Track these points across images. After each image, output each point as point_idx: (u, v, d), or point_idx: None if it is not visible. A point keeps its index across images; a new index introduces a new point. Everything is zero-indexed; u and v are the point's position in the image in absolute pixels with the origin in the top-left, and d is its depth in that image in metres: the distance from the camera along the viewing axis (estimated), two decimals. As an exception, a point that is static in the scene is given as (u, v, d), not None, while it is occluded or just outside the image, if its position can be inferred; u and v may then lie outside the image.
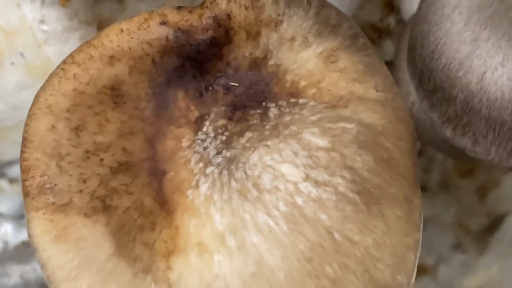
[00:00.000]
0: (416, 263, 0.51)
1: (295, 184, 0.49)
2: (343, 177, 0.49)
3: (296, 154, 0.50)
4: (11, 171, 0.63)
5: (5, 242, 0.66)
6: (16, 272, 0.67)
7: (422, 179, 0.78)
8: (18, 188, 0.64)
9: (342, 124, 0.51)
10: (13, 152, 0.62)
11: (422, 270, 0.80)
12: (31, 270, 0.68)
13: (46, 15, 0.58)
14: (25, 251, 0.67)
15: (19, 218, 0.66)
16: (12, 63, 0.59)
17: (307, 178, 0.49)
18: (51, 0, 0.57)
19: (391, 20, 0.69)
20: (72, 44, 0.59)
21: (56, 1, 0.57)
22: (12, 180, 0.63)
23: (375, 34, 0.70)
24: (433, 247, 0.81)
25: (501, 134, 0.52)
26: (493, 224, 0.84)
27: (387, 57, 0.71)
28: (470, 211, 0.83)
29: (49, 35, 0.58)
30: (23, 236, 0.66)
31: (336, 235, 0.48)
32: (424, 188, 0.78)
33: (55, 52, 0.59)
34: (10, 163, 0.62)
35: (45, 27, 0.58)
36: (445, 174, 0.82)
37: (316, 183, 0.49)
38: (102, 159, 0.50)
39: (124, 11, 0.63)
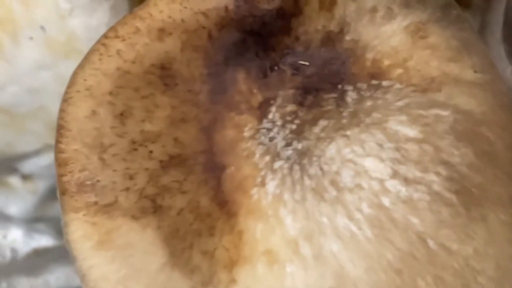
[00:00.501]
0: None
1: (381, 181, 0.49)
2: (438, 173, 0.49)
3: (381, 146, 0.50)
4: (25, 166, 0.63)
5: (14, 251, 0.66)
6: (24, 286, 0.67)
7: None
8: (31, 186, 0.64)
9: (435, 111, 0.51)
10: (28, 144, 0.62)
11: None
12: (42, 284, 0.68)
13: None
14: (36, 262, 0.67)
15: (32, 222, 0.66)
16: (31, 38, 0.59)
17: (395, 174, 0.49)
18: None
19: None
20: (100, 15, 0.60)
21: None
22: (25, 177, 0.63)
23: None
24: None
25: None
26: None
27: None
28: None
29: (74, 5, 0.58)
30: (35, 243, 0.66)
31: (430, 243, 0.49)
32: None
33: (81, 25, 0.59)
34: (24, 156, 0.63)
35: None
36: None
37: (406, 181, 0.49)
38: (151, 151, 0.50)
39: None
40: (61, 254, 0.67)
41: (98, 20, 0.60)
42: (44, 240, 0.66)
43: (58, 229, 0.61)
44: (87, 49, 0.59)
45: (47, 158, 0.61)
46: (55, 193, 0.51)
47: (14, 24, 0.59)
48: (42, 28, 0.59)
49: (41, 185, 0.63)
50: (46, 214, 0.64)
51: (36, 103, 0.60)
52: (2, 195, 0.63)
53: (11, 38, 0.59)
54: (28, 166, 0.62)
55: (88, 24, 0.60)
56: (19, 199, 0.63)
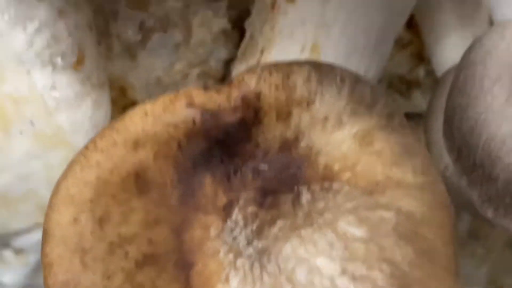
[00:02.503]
0: None
1: (332, 279, 0.50)
2: (382, 270, 0.50)
3: (331, 245, 0.51)
4: (16, 242, 0.63)
5: None
6: None
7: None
8: (23, 259, 0.64)
9: (379, 213, 0.52)
10: (20, 222, 0.62)
11: None
12: None
13: (57, 81, 0.58)
14: None
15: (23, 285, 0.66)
16: (21, 132, 0.59)
17: (344, 272, 0.51)
18: (63, 65, 0.58)
19: (421, 71, 0.71)
20: (84, 110, 0.60)
21: (68, 65, 0.58)
22: (17, 251, 0.64)
23: (404, 86, 0.71)
24: None
25: None
26: None
27: (417, 109, 0.72)
28: (503, 266, 0.84)
29: (60, 102, 0.59)
30: None
31: None
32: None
33: (67, 120, 0.60)
34: (16, 233, 0.63)
35: (56, 94, 0.58)
36: (475, 223, 0.84)
37: (354, 278, 0.50)
38: (127, 252, 0.51)
39: (136, 67, 0.65)
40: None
41: (82, 114, 0.60)
42: None
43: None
44: (73, 140, 0.61)
45: (37, 235, 0.61)
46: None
47: (5, 120, 0.59)
48: (32, 123, 0.60)
49: (31, 258, 0.63)
50: (35, 283, 0.64)
51: (26, 187, 0.60)
52: None
53: (3, 132, 0.59)
54: (20, 241, 0.62)
55: (74, 118, 0.61)
56: (12, 270, 0.63)
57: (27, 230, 0.63)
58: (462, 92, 0.57)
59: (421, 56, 0.70)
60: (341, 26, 0.59)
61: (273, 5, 0.60)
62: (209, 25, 0.66)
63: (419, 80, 0.72)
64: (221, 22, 0.66)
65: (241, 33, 0.65)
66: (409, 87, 0.72)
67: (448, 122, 0.57)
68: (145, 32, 0.65)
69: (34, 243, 0.63)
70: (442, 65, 0.67)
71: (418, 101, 0.72)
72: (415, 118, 0.73)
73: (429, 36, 0.68)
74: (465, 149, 0.55)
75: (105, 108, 0.62)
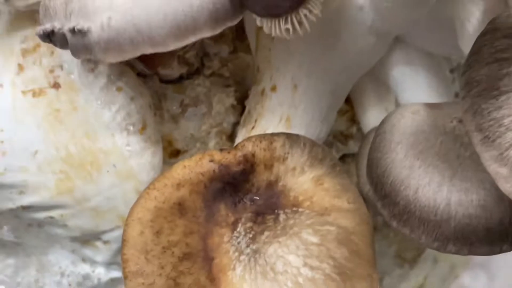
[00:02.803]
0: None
1: (298, 268, 0.49)
2: (328, 263, 0.50)
3: (298, 247, 0.50)
4: (104, 236, 0.62)
5: (99, 279, 0.65)
6: None
7: (374, 221, 0.77)
8: (108, 246, 0.63)
9: (327, 227, 0.51)
10: (106, 225, 0.61)
11: None
12: None
13: (130, 140, 0.58)
14: (112, 285, 0.67)
15: (109, 264, 0.65)
16: (108, 171, 0.58)
17: (305, 264, 0.50)
18: (133, 130, 0.57)
19: (354, 129, 0.69)
20: (146, 157, 0.59)
21: (137, 130, 0.58)
22: (105, 242, 0.63)
23: (343, 138, 0.70)
24: (380, 267, 0.80)
25: (428, 227, 0.51)
26: (420, 251, 0.84)
27: (351, 152, 0.71)
28: (405, 246, 0.83)
29: (132, 153, 0.58)
30: (111, 275, 0.66)
31: None
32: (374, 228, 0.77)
33: (136, 164, 0.59)
34: (104, 232, 0.62)
35: (129, 148, 0.58)
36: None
37: (311, 268, 0.49)
38: (173, 252, 0.50)
39: (178, 128, 0.64)
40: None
41: (145, 160, 0.60)
42: (116, 273, 0.64)
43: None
44: (139, 176, 0.60)
45: (117, 232, 0.60)
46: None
47: (98, 164, 0.59)
48: (114, 166, 0.59)
49: (114, 246, 0.62)
50: (116, 261, 0.63)
51: (111, 204, 0.60)
52: (93, 251, 0.63)
53: (97, 171, 0.59)
54: (106, 236, 0.61)
55: (140, 163, 0.60)
56: (102, 253, 0.62)
57: (111, 230, 0.62)
58: (377, 149, 0.55)
59: (354, 120, 0.69)
60: (304, 106, 0.58)
61: (262, 92, 0.59)
62: (223, 102, 0.64)
63: (353, 134, 0.70)
64: (231, 100, 0.65)
65: (243, 107, 0.64)
66: (347, 138, 0.70)
67: (369, 167, 0.56)
68: (183, 107, 0.64)
69: (115, 237, 0.62)
70: (366, 126, 0.65)
71: (352, 147, 0.70)
72: (350, 157, 0.72)
73: (358, 108, 0.66)
74: (379, 185, 0.54)
75: (159, 155, 0.60)
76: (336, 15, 0.56)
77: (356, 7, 0.55)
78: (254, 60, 0.60)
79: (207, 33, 0.46)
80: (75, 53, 0.48)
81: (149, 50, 0.46)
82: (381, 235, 0.78)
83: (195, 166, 0.52)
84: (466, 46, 0.48)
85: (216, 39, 0.64)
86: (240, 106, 0.65)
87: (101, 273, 0.66)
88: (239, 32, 0.63)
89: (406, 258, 0.81)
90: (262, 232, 0.51)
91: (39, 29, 0.49)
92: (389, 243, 0.78)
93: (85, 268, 0.66)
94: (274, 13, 0.45)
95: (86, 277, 0.66)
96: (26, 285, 0.67)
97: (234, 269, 0.50)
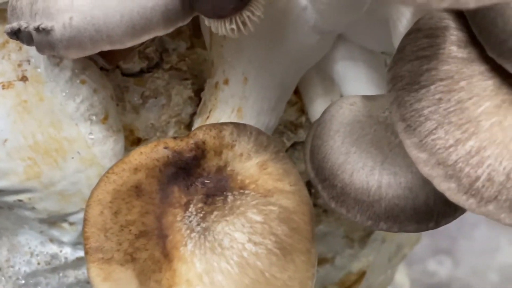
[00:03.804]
0: (313, 286, 0.53)
1: (243, 244, 0.51)
2: (270, 239, 0.52)
3: (243, 225, 0.52)
4: (70, 218, 0.63)
5: (66, 258, 0.66)
6: (72, 275, 0.68)
7: (325, 204, 0.78)
8: (74, 228, 0.64)
9: (270, 207, 0.53)
10: (72, 208, 0.62)
11: (324, 261, 0.81)
12: (81, 274, 0.68)
13: (93, 129, 0.59)
14: (78, 263, 0.68)
15: (75, 244, 0.66)
16: (72, 158, 0.59)
17: (249, 240, 0.51)
18: (96, 120, 0.58)
19: (303, 119, 0.70)
20: (108, 145, 0.60)
21: (99, 120, 0.59)
22: (71, 223, 0.63)
23: (293, 127, 0.71)
24: (331, 247, 0.81)
25: (362, 208, 0.53)
26: (368, 232, 0.87)
27: (301, 139, 0.72)
28: (352, 227, 0.86)
29: (95, 141, 0.59)
30: (77, 254, 0.66)
31: (266, 274, 0.51)
32: (326, 211, 0.78)
33: (99, 151, 0.60)
34: (70, 214, 0.63)
35: (92, 136, 0.59)
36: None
37: (255, 243, 0.51)
38: (130, 230, 0.51)
39: (139, 118, 0.65)
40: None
41: (107, 148, 0.61)
42: (82, 253, 0.62)
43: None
44: (102, 163, 0.61)
45: (82, 215, 0.59)
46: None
47: (63, 151, 0.60)
48: (78, 153, 0.60)
49: (79, 227, 0.63)
50: (82, 241, 0.60)
51: (76, 188, 0.61)
52: (60, 232, 0.64)
53: (62, 158, 0.60)
54: (72, 218, 0.62)
55: (102, 150, 0.61)
56: (68, 234, 0.63)
57: (76, 212, 0.63)
58: (318, 137, 0.57)
59: (303, 110, 0.70)
60: (254, 97, 0.60)
61: (216, 85, 0.61)
62: (181, 94, 0.66)
63: (302, 124, 0.71)
64: (188, 93, 0.66)
65: (199, 99, 0.64)
66: (296, 127, 0.71)
67: (311, 153, 0.58)
68: (144, 98, 0.65)
69: (80, 219, 0.62)
70: (313, 117, 0.66)
71: (302, 135, 0.71)
72: (300, 145, 0.74)
73: (306, 99, 0.67)
74: (320, 169, 0.56)
75: (121, 143, 0.61)
76: (282, 14, 0.58)
77: (299, 8, 0.58)
78: (209, 56, 0.62)
79: (160, 32, 0.49)
80: (40, 50, 0.50)
81: (107, 47, 0.49)
82: (333, 217, 0.80)
83: (150, 152, 0.53)
84: (397, 44, 0.51)
85: (174, 35, 0.65)
86: (197, 98, 0.66)
87: (68, 253, 0.67)
88: (196, 29, 0.64)
89: (354, 239, 0.83)
90: (211, 212, 0.52)
91: (7, 27, 0.51)
92: (339, 224, 0.80)
93: (53, 248, 0.67)
94: (219, 15, 0.49)
95: (54, 256, 0.67)
96: None
97: (186, 245, 0.51)
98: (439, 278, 1.90)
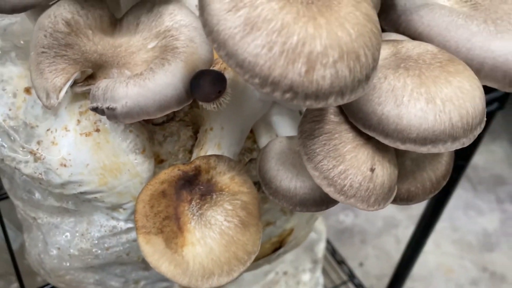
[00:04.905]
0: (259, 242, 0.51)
1: (221, 222, 0.53)
2: (236, 219, 0.53)
3: (221, 211, 0.53)
4: (124, 206, 0.62)
5: (121, 228, 0.65)
6: (124, 237, 0.66)
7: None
8: (126, 211, 0.62)
9: (236, 201, 0.54)
10: (125, 200, 0.61)
11: (269, 223, 0.78)
12: (129, 236, 0.66)
13: (137, 157, 0.59)
14: (127, 231, 0.67)
15: (126, 220, 0.64)
16: (125, 173, 0.58)
17: (225, 220, 0.53)
18: (138, 152, 0.58)
19: (255, 145, 0.67)
20: (146, 165, 0.60)
21: (140, 152, 0.58)
22: (124, 209, 0.63)
23: (250, 150, 0.68)
24: (273, 216, 0.78)
25: (286, 199, 0.54)
26: None
27: (254, 157, 0.68)
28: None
29: (138, 163, 0.59)
30: (127, 226, 0.65)
31: (234, 238, 0.52)
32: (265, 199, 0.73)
33: (140, 169, 0.59)
34: (123, 204, 0.62)
35: (136, 161, 0.59)
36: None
37: (228, 221, 0.53)
38: (160, 215, 0.52)
39: (162, 148, 0.64)
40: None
41: (145, 168, 0.60)
42: (129, 225, 0.64)
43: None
44: (143, 175, 0.64)
45: (131, 204, 0.62)
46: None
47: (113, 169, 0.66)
48: (129, 171, 0.64)
49: (128, 211, 0.63)
50: (130, 218, 0.63)
51: (127, 190, 0.60)
52: (118, 214, 0.63)
53: (111, 175, 0.63)
54: (125, 206, 0.62)
55: (142, 168, 0.61)
56: (122, 215, 0.63)
57: (127, 203, 0.62)
58: (262, 160, 0.57)
59: (255, 141, 0.67)
60: (227, 138, 0.60)
61: (205, 131, 0.60)
62: (186, 134, 0.65)
63: (255, 148, 0.68)
64: (190, 133, 0.64)
65: (196, 137, 0.64)
66: (251, 150, 0.68)
67: (259, 167, 0.55)
68: (164, 137, 0.65)
69: (129, 207, 0.62)
70: (261, 145, 0.63)
71: (255, 155, 0.68)
72: (254, 161, 0.71)
73: (256, 135, 0.66)
74: (263, 177, 0.55)
75: (152, 164, 0.61)
76: (241, 93, 0.61)
77: (250, 89, 0.60)
78: (201, 114, 0.64)
79: (175, 109, 0.53)
80: (108, 118, 0.53)
81: (146, 118, 0.53)
82: (271, 202, 0.80)
83: (170, 172, 0.53)
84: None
85: None
86: (195, 137, 0.66)
87: (122, 225, 0.68)
88: (194, 100, 0.70)
89: (286, 211, 0.84)
90: (204, 205, 0.52)
91: (90, 106, 0.55)
92: (276, 204, 0.79)
93: (113, 223, 0.68)
94: (207, 100, 0.55)
95: (114, 227, 0.68)
96: (80, 232, 0.69)
97: (190, 223, 0.51)
98: (345, 225, 1.97)
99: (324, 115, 0.54)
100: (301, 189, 0.54)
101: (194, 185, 0.53)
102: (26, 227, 0.77)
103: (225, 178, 0.54)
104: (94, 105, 0.55)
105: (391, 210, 1.82)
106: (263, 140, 0.68)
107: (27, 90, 0.62)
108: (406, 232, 1.78)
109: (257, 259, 0.70)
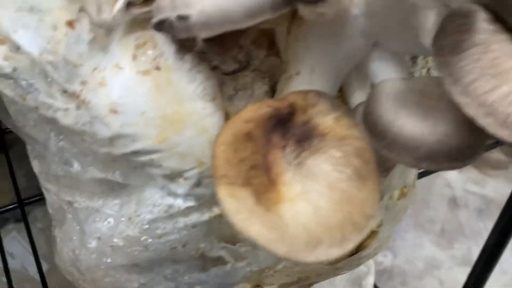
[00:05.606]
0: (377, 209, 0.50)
1: (329, 172, 0.47)
2: (350, 169, 0.47)
3: (327, 159, 0.48)
4: (185, 174, 0.58)
5: (178, 207, 0.62)
6: (182, 221, 0.63)
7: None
8: (187, 182, 0.59)
9: (346, 147, 0.48)
10: (187, 166, 0.57)
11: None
12: (188, 220, 0.64)
13: (206, 105, 0.56)
14: (187, 212, 0.63)
15: (186, 196, 0.61)
16: (190, 127, 0.56)
17: (334, 169, 0.47)
18: (208, 99, 0.55)
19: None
20: (216, 118, 0.57)
21: (210, 100, 0.55)
22: (185, 178, 0.58)
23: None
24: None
25: (409, 151, 0.50)
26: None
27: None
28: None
29: (207, 115, 0.56)
30: (186, 205, 0.61)
31: (348, 193, 0.47)
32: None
33: (209, 122, 0.57)
34: (185, 171, 0.58)
35: (205, 111, 0.56)
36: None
37: (338, 171, 0.47)
38: (246, 163, 0.47)
39: (231, 104, 0.61)
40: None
41: (217, 119, 0.56)
42: (190, 203, 0.62)
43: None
44: (212, 131, 0.58)
45: (194, 171, 0.58)
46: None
47: (183, 122, 0.55)
48: (196, 124, 0.55)
49: (191, 181, 0.59)
50: (192, 193, 0.59)
51: (193, 152, 0.56)
52: (176, 185, 0.59)
53: (181, 127, 0.55)
54: (186, 174, 0.58)
55: (213, 121, 0.57)
56: (182, 187, 0.59)
57: (190, 169, 0.58)
58: (370, 105, 0.53)
59: (344, 102, 0.63)
60: (317, 84, 0.55)
61: (288, 78, 0.57)
62: (261, 88, 0.63)
63: None
64: (266, 87, 0.62)
65: (273, 92, 0.61)
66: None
67: (365, 117, 0.53)
68: (236, 90, 0.62)
69: (192, 175, 0.58)
70: (352, 104, 0.61)
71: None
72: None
73: (346, 93, 0.62)
74: (374, 127, 0.52)
75: (223, 119, 0.58)
76: (339, 21, 0.54)
77: (352, 16, 0.54)
78: (284, 56, 0.58)
79: (268, 16, 0.45)
80: (178, 33, 0.46)
81: (230, 28, 0.44)
82: None
83: (257, 110, 0.49)
84: (426, 39, 0.48)
85: (256, 47, 0.61)
86: (272, 92, 0.62)
87: (180, 203, 0.62)
88: (270, 44, 0.61)
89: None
90: (302, 152, 0.48)
91: (155, 19, 0.47)
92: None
93: (169, 200, 0.61)
94: (313, 2, 0.45)
95: (170, 206, 0.62)
96: (127, 216, 0.63)
97: (286, 174, 0.47)
98: (384, 266, 1.93)
99: (473, 23, 0.44)
100: (431, 136, 0.48)
101: (288, 127, 0.49)
102: (58, 221, 0.69)
103: (328, 119, 0.50)
104: (161, 17, 0.46)
105: (431, 250, 1.73)
106: (356, 96, 0.60)
107: (70, 24, 0.54)
108: (449, 273, 1.65)
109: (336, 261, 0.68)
